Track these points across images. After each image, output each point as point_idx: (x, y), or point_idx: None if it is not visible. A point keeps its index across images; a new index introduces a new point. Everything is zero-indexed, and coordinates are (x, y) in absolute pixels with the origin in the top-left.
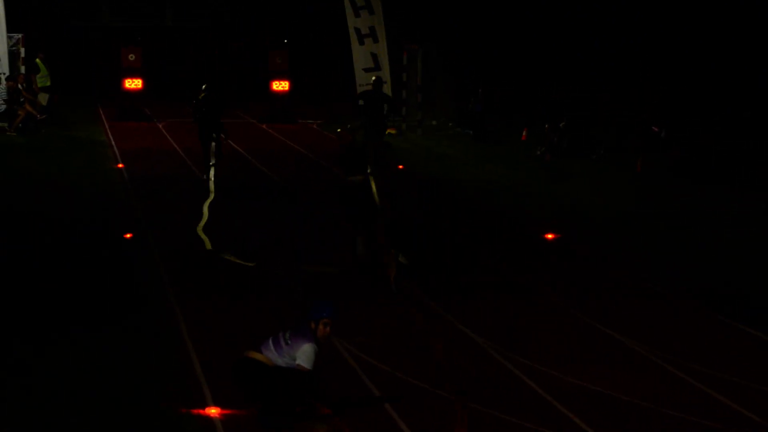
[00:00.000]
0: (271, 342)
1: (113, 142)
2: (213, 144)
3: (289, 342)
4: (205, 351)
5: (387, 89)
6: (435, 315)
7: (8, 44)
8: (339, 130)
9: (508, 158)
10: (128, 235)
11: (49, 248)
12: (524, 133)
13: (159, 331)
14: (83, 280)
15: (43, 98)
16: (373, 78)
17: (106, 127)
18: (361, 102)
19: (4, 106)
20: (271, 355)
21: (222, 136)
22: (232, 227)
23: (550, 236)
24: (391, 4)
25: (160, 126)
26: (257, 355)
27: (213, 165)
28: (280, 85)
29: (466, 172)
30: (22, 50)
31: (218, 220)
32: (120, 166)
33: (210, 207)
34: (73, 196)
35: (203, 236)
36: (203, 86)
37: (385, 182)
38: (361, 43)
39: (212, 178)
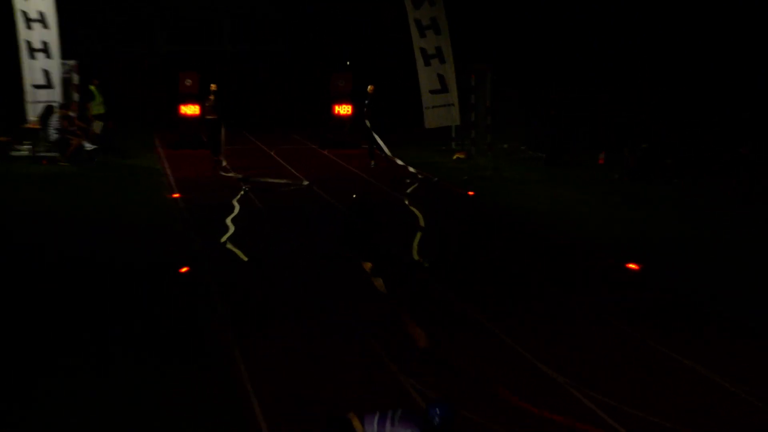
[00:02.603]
0: (376, 418)
1: (169, 171)
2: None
3: (396, 424)
4: (265, 394)
5: (455, 111)
6: (505, 346)
7: (62, 71)
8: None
9: (584, 183)
10: (184, 269)
11: (103, 282)
12: (601, 157)
13: (216, 374)
14: (137, 317)
15: (97, 126)
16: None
17: (162, 156)
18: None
19: (56, 135)
20: (371, 430)
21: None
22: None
23: (631, 266)
24: (458, 24)
25: (222, 155)
26: (357, 425)
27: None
28: (343, 109)
29: (539, 197)
30: (76, 77)
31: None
32: (176, 195)
33: (234, 220)
34: (127, 228)
35: (234, 249)
36: (212, 86)
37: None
38: (427, 64)
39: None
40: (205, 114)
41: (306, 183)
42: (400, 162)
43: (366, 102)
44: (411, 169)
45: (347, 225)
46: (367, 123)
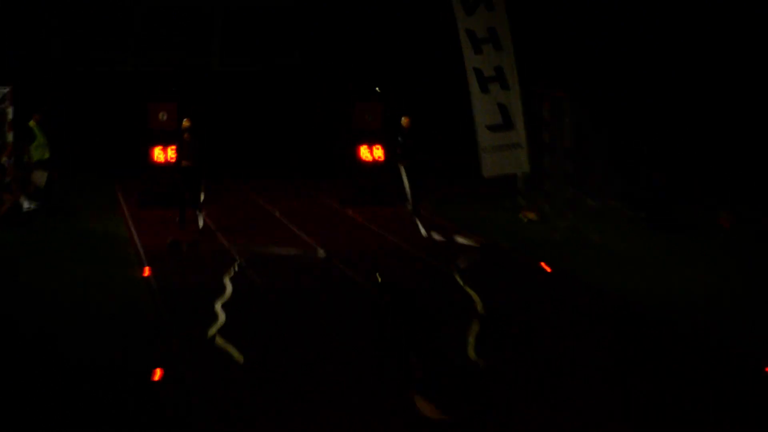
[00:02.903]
0: None
1: (136, 237)
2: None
3: None
4: None
5: (522, 155)
6: None
7: None
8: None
9: (705, 255)
10: (157, 374)
11: (44, 397)
12: (725, 217)
13: None
14: None
15: (38, 177)
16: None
17: (127, 215)
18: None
19: None
20: None
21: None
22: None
23: None
24: (525, 37)
25: (202, 214)
26: None
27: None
28: (372, 152)
29: (646, 276)
30: (10, 110)
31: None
32: (146, 272)
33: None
34: (79, 318)
35: (225, 345)
36: (184, 121)
37: None
38: (485, 90)
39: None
40: (180, 159)
41: (322, 254)
42: (419, 228)
43: (399, 140)
44: (462, 240)
45: (379, 314)
46: (402, 169)
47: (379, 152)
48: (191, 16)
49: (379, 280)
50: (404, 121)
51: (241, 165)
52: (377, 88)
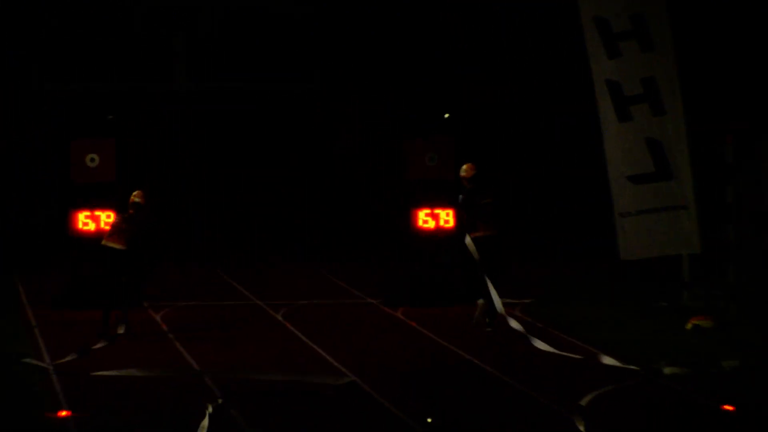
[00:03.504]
0: None
1: (47, 358)
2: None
3: None
4: None
5: (689, 223)
6: None
7: None
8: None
9: None
10: None
11: None
12: None
13: None
14: None
15: None
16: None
17: (33, 322)
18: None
19: None
20: None
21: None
22: None
23: None
24: (691, 39)
25: (157, 317)
26: None
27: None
28: (437, 217)
29: None
30: None
31: None
32: (63, 414)
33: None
34: None
35: None
36: (135, 193)
37: None
38: (624, 117)
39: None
40: (111, 238)
41: (346, 381)
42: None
43: (461, 198)
44: (604, 359)
45: None
46: (470, 244)
47: (448, 218)
48: (147, 12)
49: (430, 421)
50: (467, 169)
51: (222, 241)
52: (446, 114)
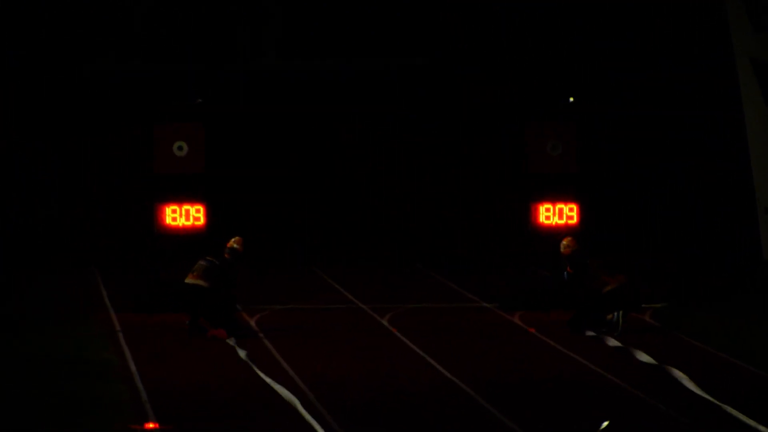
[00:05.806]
0: None
1: (133, 367)
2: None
3: None
4: None
5: None
6: None
7: None
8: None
9: None
10: None
11: None
12: None
13: None
14: None
15: None
16: None
17: (117, 327)
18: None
19: None
20: None
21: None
22: None
23: None
24: None
25: (252, 321)
26: None
27: None
28: (559, 212)
29: None
30: None
31: None
32: (148, 426)
33: None
34: None
35: None
36: (235, 239)
37: None
38: None
39: None
40: (195, 276)
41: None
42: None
43: (566, 274)
44: None
45: None
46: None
47: (571, 213)
48: None
49: None
50: (569, 244)
51: (322, 246)
52: (570, 98)
